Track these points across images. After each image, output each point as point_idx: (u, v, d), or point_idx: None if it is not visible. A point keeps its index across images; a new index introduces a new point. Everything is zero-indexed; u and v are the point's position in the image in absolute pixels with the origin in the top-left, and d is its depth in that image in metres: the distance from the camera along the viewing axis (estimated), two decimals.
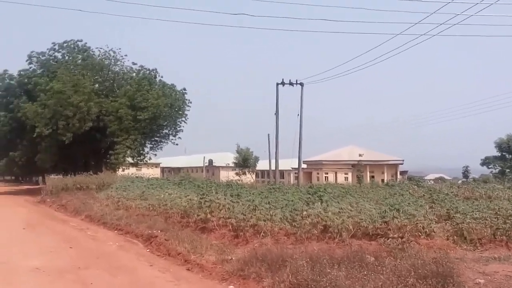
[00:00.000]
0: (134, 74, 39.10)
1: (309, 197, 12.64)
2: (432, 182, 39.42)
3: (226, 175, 52.28)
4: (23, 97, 34.71)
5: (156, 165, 68.93)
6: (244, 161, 59.96)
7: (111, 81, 39.04)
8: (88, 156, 37.34)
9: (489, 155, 60.38)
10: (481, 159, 61.24)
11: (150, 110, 35.21)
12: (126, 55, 39.57)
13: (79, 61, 36.89)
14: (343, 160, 59.59)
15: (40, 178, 57.98)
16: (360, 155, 44.92)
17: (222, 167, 76.34)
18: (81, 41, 38.27)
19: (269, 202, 10.49)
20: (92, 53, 38.35)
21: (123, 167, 37.15)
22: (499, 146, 58.28)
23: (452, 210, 10.44)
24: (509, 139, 56.95)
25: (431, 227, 8.94)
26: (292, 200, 11.77)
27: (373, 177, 51.26)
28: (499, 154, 59.25)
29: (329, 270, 5.92)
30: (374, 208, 10.42)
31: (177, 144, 41.80)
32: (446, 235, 9.01)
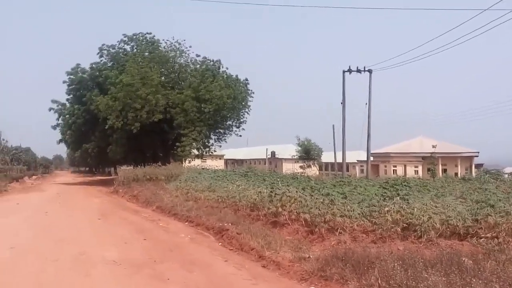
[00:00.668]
0: (198, 66, 39.62)
1: (385, 192, 11.85)
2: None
3: (289, 167, 51.84)
4: (95, 90, 36.31)
5: (220, 156, 69.86)
6: (307, 153, 58.91)
7: (176, 73, 39.81)
8: (156, 147, 38.44)
9: None
10: None
11: (214, 102, 35.48)
12: (190, 47, 40.28)
13: (146, 53, 37.94)
14: (412, 152, 56.89)
15: (112, 169, 60.92)
16: (433, 147, 42.41)
17: (285, 159, 75.88)
18: (150, 33, 39.44)
19: (345, 196, 9.88)
20: (159, 44, 39.30)
21: (189, 159, 37.78)
22: None
23: None
24: None
25: None
26: (367, 195, 11.09)
27: (445, 170, 48.35)
28: None
29: (426, 275, 5.27)
30: (461, 204, 9.48)
31: (240, 136, 42.08)
32: None
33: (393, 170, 56.61)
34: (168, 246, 9.02)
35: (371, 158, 58.81)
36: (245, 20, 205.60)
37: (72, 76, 38.23)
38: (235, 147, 76.10)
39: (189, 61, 40.29)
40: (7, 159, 56.34)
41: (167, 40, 39.88)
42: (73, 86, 38.51)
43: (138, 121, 33.14)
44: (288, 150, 79.23)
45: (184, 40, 40.22)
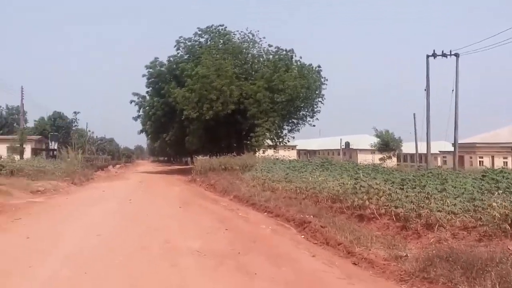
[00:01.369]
0: (270, 56, 39.38)
1: (482, 184, 10.69)
2: None
3: (364, 158, 50.16)
4: (172, 82, 37.38)
5: (293, 147, 69.39)
6: (386, 145, 56.55)
7: (249, 64, 39.88)
8: (230, 138, 38.90)
9: None
10: None
11: (287, 92, 35.08)
12: (264, 38, 40.11)
13: (220, 45, 38.37)
14: (502, 142, 52.54)
15: (189, 158, 62.89)
16: None
17: (360, 150, 73.76)
18: (222, 25, 39.87)
19: (444, 189, 8.99)
20: (232, 36, 39.62)
21: (262, 149, 37.79)
22: None
23: None
24: None
25: None
26: (464, 188, 10.05)
27: None
28: None
29: None
30: None
31: (314, 126, 41.36)
32: None
33: (479, 161, 52.84)
34: (250, 237, 8.75)
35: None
36: (318, 4, 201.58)
37: (151, 70, 39.71)
38: (307, 137, 75.22)
39: (262, 51, 40.26)
40: (93, 149, 60.29)
41: (241, 32, 40.14)
42: (152, 79, 39.99)
43: (213, 111, 33.63)
44: (363, 140, 76.91)
45: (258, 31, 40.30)
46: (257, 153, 35.45)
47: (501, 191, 9.38)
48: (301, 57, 39.44)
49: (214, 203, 15.63)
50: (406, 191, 9.52)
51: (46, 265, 6.39)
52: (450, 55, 26.75)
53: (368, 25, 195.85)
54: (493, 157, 52.84)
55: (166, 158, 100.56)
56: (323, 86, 39.18)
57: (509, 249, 6.69)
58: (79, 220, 10.89)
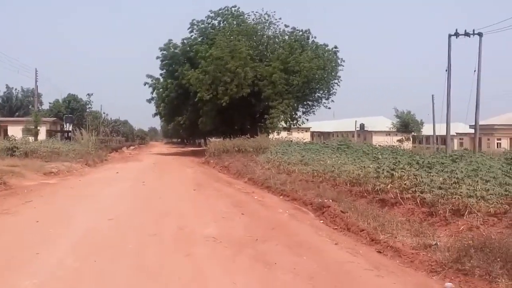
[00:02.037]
0: (286, 37, 38.56)
1: (510, 168, 10.13)
2: None
3: (379, 140, 49.36)
4: (186, 64, 36.87)
5: (307, 129, 68.68)
6: (405, 126, 55.36)
7: (264, 45, 39.13)
8: (244, 120, 38.46)
9: None
10: None
11: (303, 74, 34.40)
12: (280, 18, 39.24)
13: (234, 26, 37.62)
14: None
15: (202, 140, 62.74)
16: None
17: (375, 131, 72.80)
18: (235, 6, 39.01)
19: (477, 174, 8.46)
20: (247, 17, 38.84)
21: (277, 131, 37.32)
22: None
23: None
24: None
25: None
26: (492, 171, 9.50)
27: None
28: None
29: None
30: None
31: (329, 108, 40.67)
32: None
33: (497, 143, 51.96)
34: (268, 222, 8.36)
35: (472, 131, 54.24)
36: None
37: (164, 52, 39.18)
38: (321, 119, 74.32)
39: (277, 32, 39.42)
40: (107, 131, 60.48)
41: (256, 12, 39.27)
42: (166, 61, 39.48)
43: (228, 94, 33.15)
44: (378, 122, 75.80)
45: (274, 12, 39.41)
46: (271, 135, 35.02)
47: None
48: (315, 37, 38.61)
49: (229, 185, 15.30)
50: (433, 175, 9.01)
51: (54, 252, 6.05)
52: (473, 34, 25.71)
53: (388, 5, 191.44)
54: (511, 139, 51.74)
55: (179, 140, 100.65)
56: (340, 68, 38.38)
57: None
58: (91, 203, 10.63)
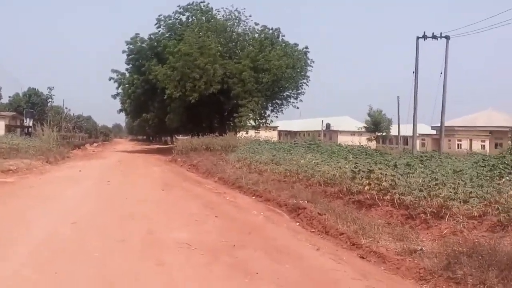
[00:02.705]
0: (256, 35, 38.22)
1: (482, 170, 10.13)
2: None
3: (344, 140, 49.93)
4: (154, 59, 35.86)
5: (274, 128, 68.63)
6: (375, 125, 55.83)
7: (234, 43, 38.64)
8: (212, 117, 37.93)
9: None
10: None
11: (272, 72, 34.19)
12: (250, 16, 38.83)
13: (203, 22, 36.93)
14: (480, 126, 53.19)
15: (169, 138, 61.52)
16: None
17: (340, 131, 73.67)
18: (203, 2, 38.30)
19: (458, 176, 8.33)
20: (216, 13, 38.25)
21: (245, 130, 36.99)
22: None
23: None
24: None
25: None
26: (466, 173, 9.45)
27: None
28: None
29: None
30: None
31: (298, 108, 40.73)
32: None
33: (458, 144, 53.70)
34: (243, 226, 7.92)
35: (434, 132, 55.73)
36: None
37: (131, 46, 37.95)
38: (288, 118, 74.50)
39: (247, 30, 39.00)
40: (69, 127, 58.30)
41: (226, 9, 38.68)
42: (132, 55, 38.27)
43: (197, 91, 32.47)
44: (344, 122, 76.73)
45: (244, 9, 38.96)
46: (239, 134, 34.65)
47: (508, 178, 8.87)
48: (284, 36, 38.50)
49: (198, 185, 14.77)
50: (411, 176, 8.84)
51: (9, 262, 5.39)
52: (441, 37, 26.18)
53: (359, 7, 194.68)
54: (471, 140, 53.52)
55: (145, 137, 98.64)
56: (309, 68, 38.41)
57: None
58: (52, 204, 9.85)
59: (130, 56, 38.31)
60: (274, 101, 40.33)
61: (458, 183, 7.65)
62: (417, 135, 55.93)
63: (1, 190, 11.83)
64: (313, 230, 7.97)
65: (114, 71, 39.83)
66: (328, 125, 75.37)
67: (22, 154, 21.32)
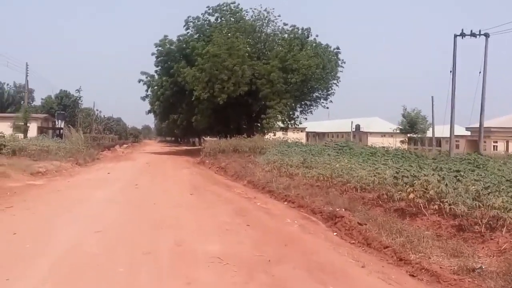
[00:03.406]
0: (285, 35, 37.64)
1: None
2: None
3: (374, 142, 48.85)
4: (182, 61, 35.77)
5: (302, 129, 67.89)
6: (411, 126, 53.62)
7: (263, 43, 38.18)
8: (240, 119, 37.54)
9: None
10: None
11: (301, 72, 33.52)
12: (279, 16, 38.27)
13: (232, 23, 36.61)
14: None
15: (197, 139, 61.55)
16: None
17: (370, 132, 72.30)
18: (233, 3, 37.97)
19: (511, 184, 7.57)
20: (245, 14, 37.87)
21: (274, 131, 36.46)
22: None
23: None
24: None
25: None
26: None
27: None
28: None
29: None
30: None
31: (327, 108, 40.02)
32: None
33: (493, 146, 51.68)
34: (278, 237, 7.35)
35: (468, 133, 53.72)
36: None
37: (160, 48, 38.02)
38: (316, 119, 73.58)
39: (276, 30, 38.46)
40: (100, 128, 59.22)
41: (255, 9, 38.25)
42: (161, 58, 38.31)
43: (225, 92, 32.16)
44: (373, 123, 75.22)
45: (273, 9, 38.45)
46: (267, 135, 34.16)
47: None
48: (317, 35, 37.81)
49: (228, 189, 14.30)
50: (463, 183, 8.11)
51: (28, 278, 4.99)
52: (480, 35, 24.94)
53: (390, 5, 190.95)
54: (507, 141, 51.36)
55: (173, 139, 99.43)
56: (340, 69, 37.56)
57: None
58: (77, 210, 9.53)
59: (159, 58, 38.36)
60: (303, 102, 39.69)
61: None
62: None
63: (28, 194, 11.67)
64: (353, 241, 7.35)
65: (143, 73, 40.08)
66: (357, 126, 74.07)
67: (52, 156, 21.48)
